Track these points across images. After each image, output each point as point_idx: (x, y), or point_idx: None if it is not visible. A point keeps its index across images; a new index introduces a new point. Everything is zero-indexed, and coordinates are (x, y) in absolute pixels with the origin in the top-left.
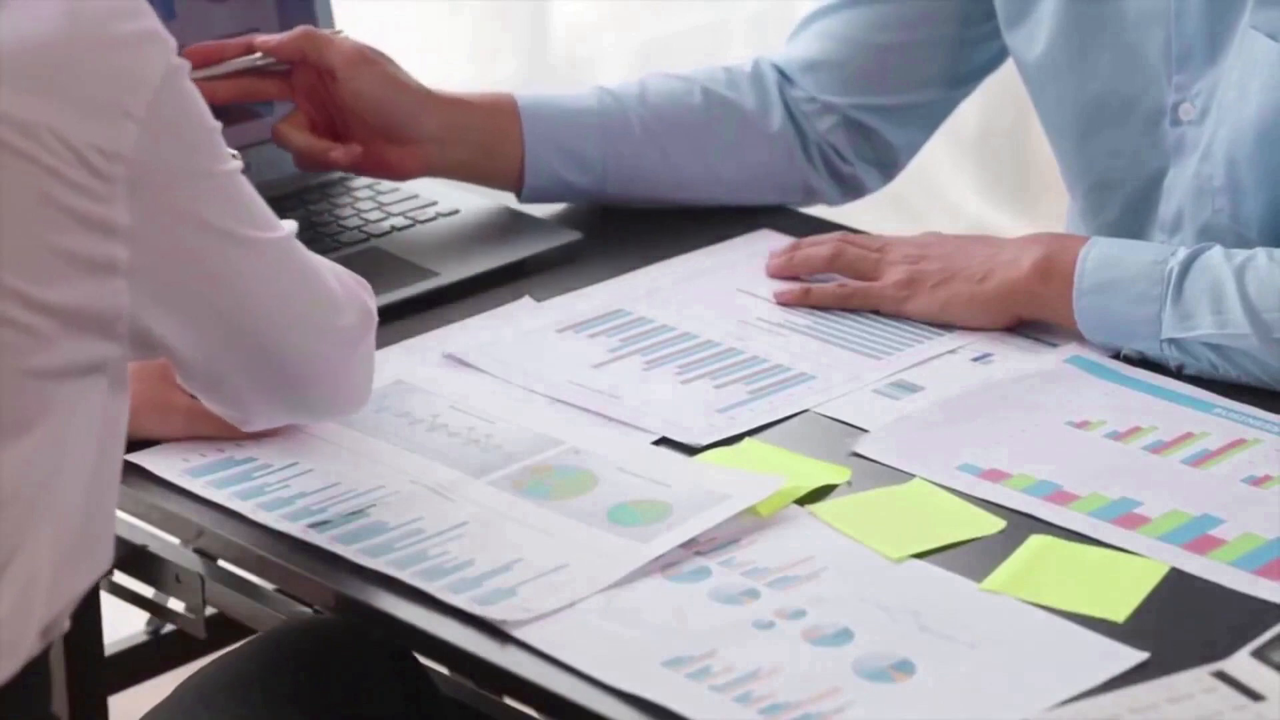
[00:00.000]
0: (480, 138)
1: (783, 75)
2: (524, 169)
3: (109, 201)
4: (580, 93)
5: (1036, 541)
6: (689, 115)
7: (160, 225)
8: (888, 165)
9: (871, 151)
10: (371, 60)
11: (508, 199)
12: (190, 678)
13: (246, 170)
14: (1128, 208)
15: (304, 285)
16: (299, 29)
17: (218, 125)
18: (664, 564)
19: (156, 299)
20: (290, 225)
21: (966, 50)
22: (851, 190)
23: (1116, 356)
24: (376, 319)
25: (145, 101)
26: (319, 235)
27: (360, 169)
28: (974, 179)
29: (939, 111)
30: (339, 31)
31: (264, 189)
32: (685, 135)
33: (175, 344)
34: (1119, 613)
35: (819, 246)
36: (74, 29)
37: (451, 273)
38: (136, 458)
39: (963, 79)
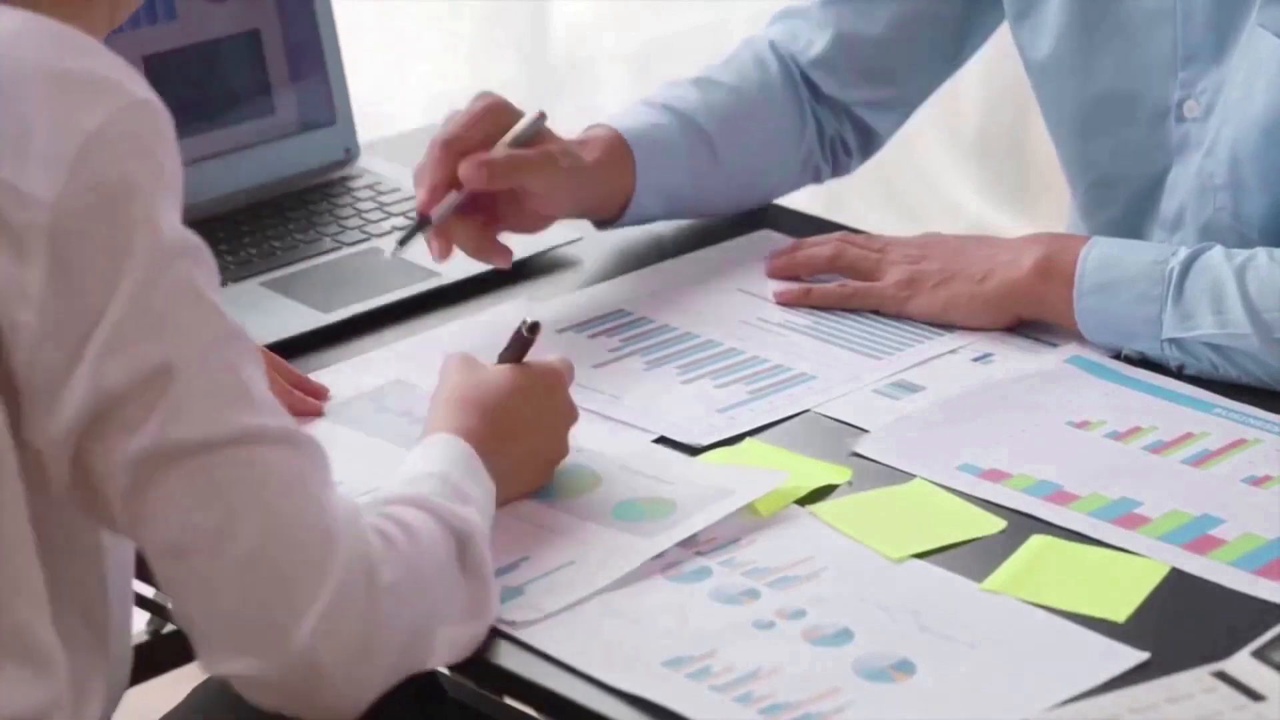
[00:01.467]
0: (597, 191)
1: (806, 80)
2: (623, 215)
3: (19, 253)
4: (665, 121)
5: (1037, 541)
6: (753, 140)
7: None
8: (872, 149)
9: (861, 139)
10: (557, 171)
11: None
12: (206, 681)
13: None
14: (1129, 204)
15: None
16: (513, 173)
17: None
18: (665, 564)
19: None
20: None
21: (964, 35)
22: (838, 171)
23: (1117, 356)
24: (392, 582)
25: (75, 146)
26: (319, 235)
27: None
28: (974, 179)
29: (928, 95)
30: (542, 116)
31: (263, 190)
32: (748, 160)
33: (100, 470)
34: (1119, 613)
35: (820, 246)
36: (17, 53)
37: (451, 273)
38: None
39: (958, 62)
